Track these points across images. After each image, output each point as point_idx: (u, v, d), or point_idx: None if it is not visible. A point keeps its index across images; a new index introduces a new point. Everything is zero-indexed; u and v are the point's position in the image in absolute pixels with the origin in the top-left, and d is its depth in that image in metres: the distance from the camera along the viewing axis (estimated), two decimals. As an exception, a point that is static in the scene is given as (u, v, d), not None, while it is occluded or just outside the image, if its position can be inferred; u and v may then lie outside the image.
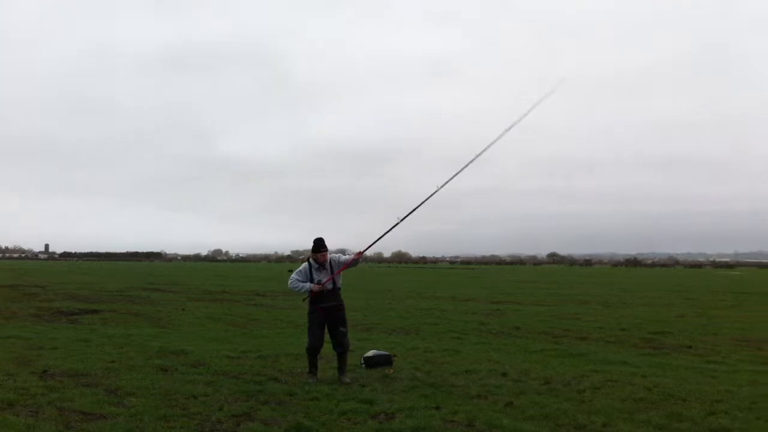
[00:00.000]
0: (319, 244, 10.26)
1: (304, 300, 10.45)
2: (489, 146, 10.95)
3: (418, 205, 10.43)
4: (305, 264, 10.42)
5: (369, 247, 10.44)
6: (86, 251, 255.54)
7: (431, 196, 10.44)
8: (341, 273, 10.37)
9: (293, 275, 10.37)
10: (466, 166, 10.76)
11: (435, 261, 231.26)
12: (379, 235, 10.49)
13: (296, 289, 10.29)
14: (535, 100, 11.24)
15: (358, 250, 10.56)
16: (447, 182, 10.54)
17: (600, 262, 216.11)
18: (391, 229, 10.48)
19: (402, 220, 10.35)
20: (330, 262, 10.30)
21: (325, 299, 10.17)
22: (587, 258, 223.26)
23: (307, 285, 10.16)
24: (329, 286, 10.19)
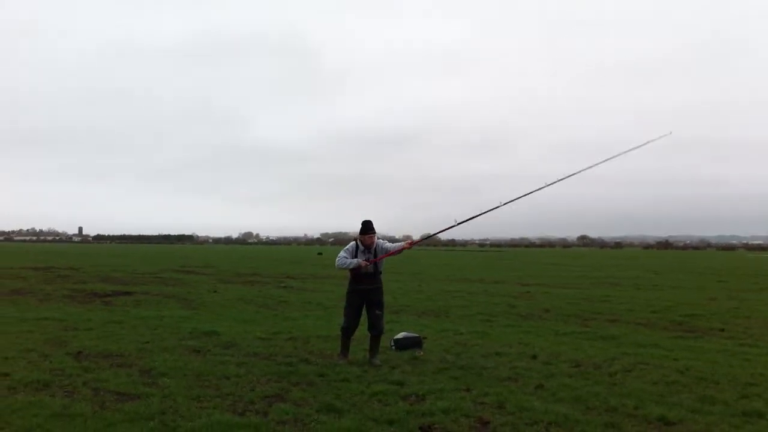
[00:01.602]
0: (368, 227, 10.21)
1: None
2: (577, 173, 10.92)
3: (480, 213, 10.35)
4: (352, 243, 10.41)
5: (420, 241, 10.44)
6: (119, 234, 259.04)
7: (494, 208, 10.33)
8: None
9: (341, 252, 10.34)
10: (549, 185, 10.65)
11: (464, 243, 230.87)
12: (434, 233, 10.50)
13: (344, 266, 10.21)
14: (638, 143, 11.29)
15: (393, 236, 10.60)
16: (514, 200, 10.44)
17: (631, 244, 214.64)
18: (446, 229, 10.47)
19: (459, 223, 10.34)
20: (376, 246, 10.30)
21: (365, 281, 10.18)
22: (617, 240, 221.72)
23: (355, 261, 10.13)
24: (371, 269, 10.21)
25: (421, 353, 10.75)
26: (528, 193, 10.43)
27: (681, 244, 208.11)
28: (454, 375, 9.15)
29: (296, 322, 14.88)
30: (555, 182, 10.51)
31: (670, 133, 11.46)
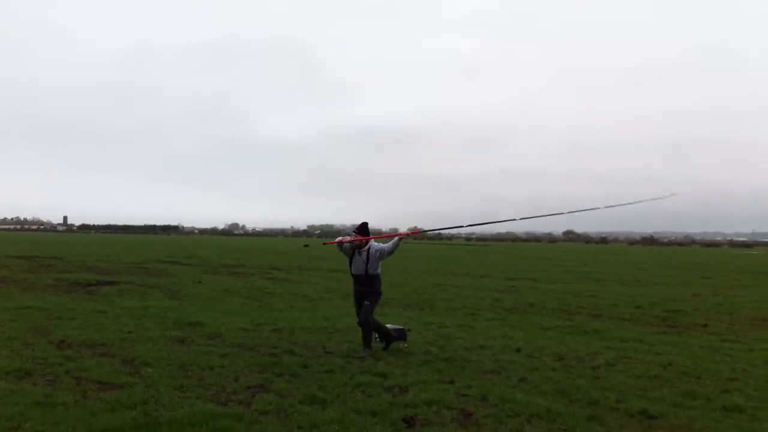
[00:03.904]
0: (360, 228, 10.42)
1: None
2: (552, 215, 11.23)
3: (483, 223, 10.61)
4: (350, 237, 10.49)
5: (415, 233, 10.49)
6: (104, 224, 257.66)
7: (495, 222, 10.62)
8: (379, 261, 10.40)
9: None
10: (519, 218, 10.93)
11: (450, 237, 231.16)
12: (432, 228, 10.59)
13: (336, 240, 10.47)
14: (640, 199, 11.58)
15: (379, 229, 10.67)
16: (499, 221, 10.78)
17: (616, 240, 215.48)
18: (446, 228, 10.54)
19: (462, 226, 10.47)
20: (369, 248, 10.34)
21: (359, 283, 10.35)
22: (603, 236, 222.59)
23: (339, 238, 10.43)
24: (346, 248, 10.32)
25: (406, 345, 10.76)
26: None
27: (666, 240, 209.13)
28: (438, 367, 9.16)
29: (281, 313, 14.87)
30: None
31: (676, 194, 11.99)
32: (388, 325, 11.75)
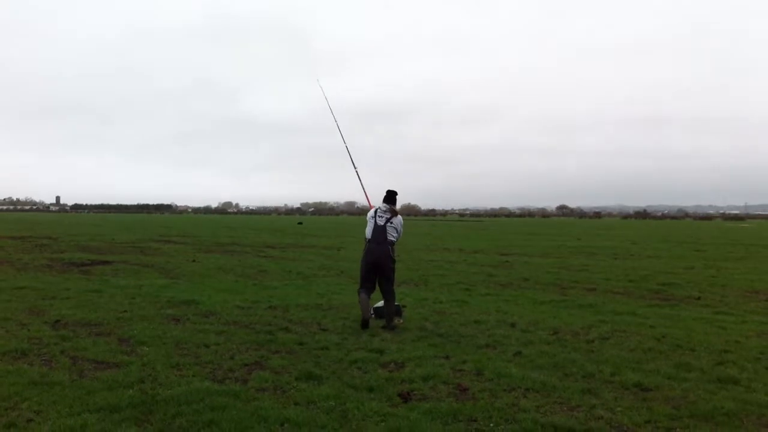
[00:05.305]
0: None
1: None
2: None
3: None
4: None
5: None
6: (97, 203, 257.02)
7: None
8: (394, 228, 11.06)
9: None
10: None
11: (444, 213, 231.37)
12: None
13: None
14: None
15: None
16: None
17: (609, 214, 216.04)
18: None
19: None
20: (390, 216, 10.96)
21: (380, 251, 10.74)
22: (597, 210, 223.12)
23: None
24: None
25: (401, 321, 10.78)
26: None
27: (659, 214, 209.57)
28: (433, 343, 9.19)
29: (276, 291, 14.87)
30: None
31: None
32: (383, 301, 11.78)
